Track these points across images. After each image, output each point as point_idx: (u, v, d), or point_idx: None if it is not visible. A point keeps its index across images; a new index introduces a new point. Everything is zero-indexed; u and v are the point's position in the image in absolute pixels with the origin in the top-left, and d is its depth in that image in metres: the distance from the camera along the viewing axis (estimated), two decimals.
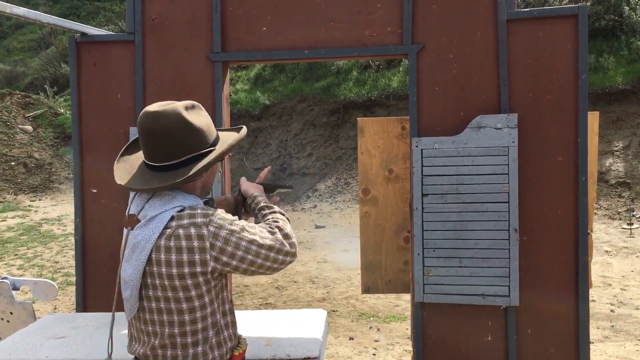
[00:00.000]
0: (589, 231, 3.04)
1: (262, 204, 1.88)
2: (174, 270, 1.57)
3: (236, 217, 1.68)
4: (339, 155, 14.73)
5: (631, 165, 11.36)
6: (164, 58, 3.27)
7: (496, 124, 2.95)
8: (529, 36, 2.93)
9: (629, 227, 9.80)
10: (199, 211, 1.61)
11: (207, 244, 1.57)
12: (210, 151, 1.69)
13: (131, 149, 1.83)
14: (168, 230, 1.58)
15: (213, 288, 1.63)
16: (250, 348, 2.15)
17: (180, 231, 1.57)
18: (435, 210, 3.05)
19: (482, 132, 2.97)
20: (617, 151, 11.51)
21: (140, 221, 1.63)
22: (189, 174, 1.62)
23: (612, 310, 5.99)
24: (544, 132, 2.96)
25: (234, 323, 1.76)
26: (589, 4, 13.15)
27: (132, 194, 1.74)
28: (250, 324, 2.64)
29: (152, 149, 1.65)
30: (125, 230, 1.69)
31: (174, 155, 1.64)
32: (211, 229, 1.59)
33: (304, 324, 2.61)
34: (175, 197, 1.64)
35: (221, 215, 1.63)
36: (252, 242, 1.62)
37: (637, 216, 10.23)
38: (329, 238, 10.26)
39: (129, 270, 1.62)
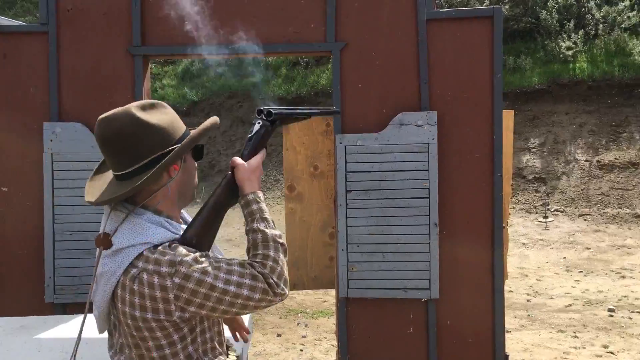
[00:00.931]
0: (504, 225, 3.17)
1: (255, 225, 1.55)
2: (137, 313, 1.44)
3: (211, 260, 1.46)
4: (268, 152, 14.67)
5: (546, 161, 11.92)
6: (81, 51, 3.14)
7: (417, 121, 3.02)
8: (448, 36, 3.02)
9: (544, 220, 10.31)
10: (166, 258, 1.43)
11: (171, 296, 1.42)
12: (174, 149, 1.52)
13: (104, 167, 1.66)
14: (133, 270, 1.44)
15: (186, 326, 1.49)
16: None
17: (145, 276, 1.43)
18: (359, 206, 3.09)
19: (403, 129, 3.04)
20: (533, 148, 12.07)
21: (111, 244, 1.49)
22: (147, 176, 1.46)
23: (528, 300, 6.28)
24: (462, 129, 3.06)
25: (220, 343, 1.62)
26: (507, 6, 13.69)
27: (105, 210, 1.58)
28: None
29: (111, 157, 1.52)
30: (97, 249, 1.55)
31: (133, 160, 1.49)
32: (176, 280, 1.42)
33: None
34: (146, 227, 1.48)
35: (189, 262, 1.43)
36: (225, 292, 1.44)
37: (552, 210, 10.77)
38: None
39: (97, 296, 1.51)
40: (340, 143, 3.07)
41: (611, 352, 4.71)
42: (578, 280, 7.05)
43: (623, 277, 7.13)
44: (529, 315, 5.72)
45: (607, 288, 6.66)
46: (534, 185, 11.65)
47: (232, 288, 1.44)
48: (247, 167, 1.62)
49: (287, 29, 3.10)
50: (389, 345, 3.18)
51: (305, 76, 15.30)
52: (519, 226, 10.14)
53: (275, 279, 1.48)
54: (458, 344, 3.11)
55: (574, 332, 5.19)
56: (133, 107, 1.52)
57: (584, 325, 5.39)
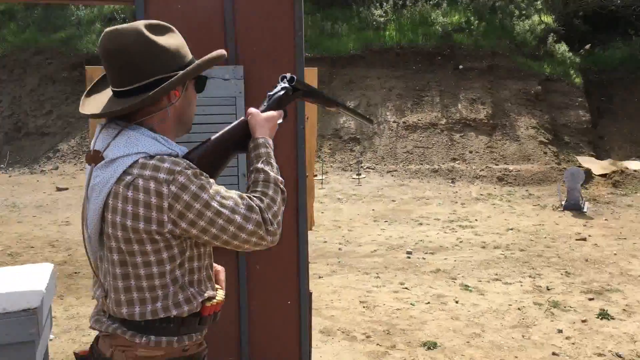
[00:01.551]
0: (307, 174, 3.42)
1: (260, 164, 1.52)
2: (129, 222, 1.37)
3: (211, 181, 1.42)
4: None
5: (360, 122, 12.74)
6: None
7: (224, 75, 3.12)
8: None
9: (357, 177, 11.10)
10: (165, 165, 1.37)
11: (166, 204, 1.36)
12: (178, 74, 1.46)
13: (105, 82, 1.56)
14: (128, 178, 1.37)
15: (176, 246, 1.42)
16: None
17: (140, 182, 1.36)
18: None
19: (211, 83, 3.10)
20: None
21: (103, 159, 1.41)
22: (148, 94, 1.40)
23: (339, 249, 6.81)
24: (267, 83, 3.20)
25: (209, 278, 1.54)
26: None
27: (97, 128, 1.49)
28: None
29: (112, 72, 1.45)
30: (88, 167, 1.46)
31: (134, 78, 1.42)
32: (172, 188, 1.35)
33: (28, 278, 2.51)
34: (141, 139, 1.41)
35: (189, 174, 1.37)
36: (218, 214, 1.38)
37: (365, 167, 11.61)
38: (73, 200, 9.67)
39: (89, 212, 1.44)
40: None
41: (406, 288, 5.33)
42: (383, 229, 7.78)
43: (421, 224, 8.00)
44: (339, 261, 6.21)
45: (407, 234, 7.45)
46: (349, 145, 12.44)
47: (226, 211, 1.38)
48: (262, 116, 1.59)
49: None
50: (268, 315, 3.30)
51: None
52: (335, 183, 10.80)
53: (270, 216, 1.44)
54: (267, 286, 3.33)
55: (377, 274, 5.77)
56: (142, 25, 1.44)
57: (386, 267, 6.01)
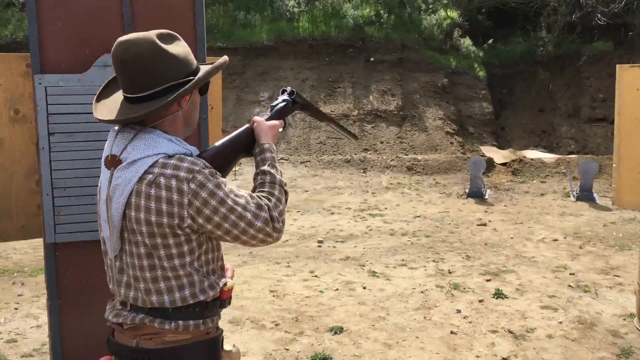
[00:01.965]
0: None
1: (266, 167, 1.66)
2: (153, 218, 1.48)
3: (225, 180, 1.54)
4: None
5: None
6: None
7: None
8: None
9: None
10: (185, 164, 1.49)
11: (186, 200, 1.47)
12: (188, 80, 1.56)
13: (113, 86, 1.67)
14: (149, 177, 1.48)
15: (195, 240, 1.53)
16: None
17: (162, 180, 1.48)
18: (64, 149, 3.02)
19: (108, 71, 3.03)
20: (262, 101, 12.79)
21: (122, 162, 1.52)
22: (162, 102, 1.50)
23: None
24: None
25: (222, 267, 1.67)
26: None
27: (111, 134, 1.61)
28: None
29: (126, 80, 1.54)
30: (105, 171, 1.58)
31: (148, 85, 1.52)
32: (192, 186, 1.48)
33: None
34: (158, 141, 1.52)
35: (207, 174, 1.50)
36: (231, 210, 1.51)
37: (279, 158, 11.64)
38: None
39: (112, 211, 1.53)
40: (40, 84, 2.94)
41: (316, 276, 5.43)
42: (296, 219, 7.86)
43: (332, 213, 8.15)
44: (250, 252, 6.22)
45: (319, 224, 7.57)
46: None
47: (239, 208, 1.50)
48: (266, 123, 1.73)
49: None
50: (103, 286, 3.22)
51: (22, 19, 13.71)
52: (249, 174, 10.77)
53: (276, 214, 1.56)
54: None
55: (288, 263, 5.83)
56: (154, 34, 1.53)
57: (297, 256, 6.09)
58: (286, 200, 1.66)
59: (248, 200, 1.54)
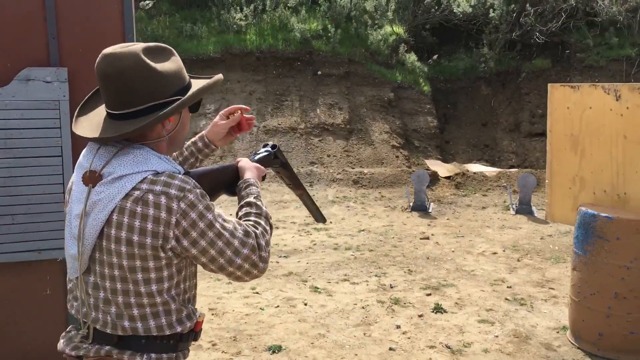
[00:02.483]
0: None
1: (251, 199, 1.61)
2: (135, 238, 1.39)
3: (211, 204, 1.47)
4: None
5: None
6: None
7: (45, 77, 2.93)
8: None
9: None
10: (176, 182, 1.41)
11: (173, 220, 1.39)
12: (175, 100, 1.47)
13: (96, 98, 1.60)
14: (136, 193, 1.39)
15: (175, 265, 1.44)
16: None
17: (150, 197, 1.39)
18: None
19: (31, 85, 2.91)
20: (209, 113, 12.64)
21: (102, 178, 1.43)
22: (144, 122, 1.42)
23: None
24: (95, 86, 3.07)
25: (195, 297, 1.60)
26: None
27: (91, 148, 1.51)
28: None
29: (108, 95, 1.46)
30: (79, 186, 1.47)
31: (131, 102, 1.44)
32: (182, 205, 1.39)
33: None
34: (148, 157, 1.45)
35: (198, 194, 1.43)
36: (219, 236, 1.44)
37: None
38: None
39: (88, 228, 1.42)
40: None
41: (257, 292, 5.35)
42: None
43: (277, 228, 8.09)
44: None
45: None
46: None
47: (226, 234, 1.44)
48: (251, 163, 1.77)
49: None
50: (26, 310, 3.08)
51: None
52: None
53: (263, 243, 1.51)
54: None
55: (229, 279, 5.73)
56: (140, 49, 1.45)
57: None
58: (271, 233, 1.61)
59: (236, 227, 1.48)
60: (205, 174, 1.65)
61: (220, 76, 1.63)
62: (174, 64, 1.52)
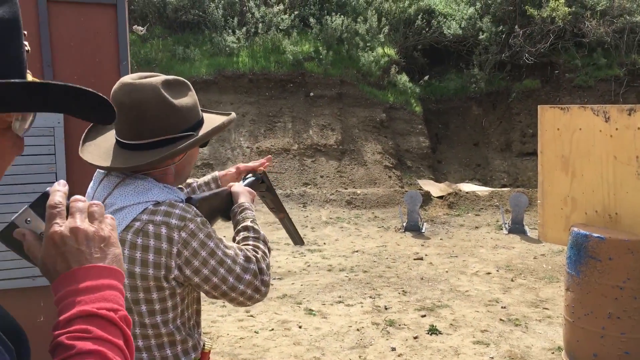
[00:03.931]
0: None
1: (248, 223, 1.60)
2: (137, 270, 1.38)
3: (212, 231, 1.46)
4: None
5: (214, 148, 12.63)
6: None
7: None
8: (71, 20, 3.00)
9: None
10: (176, 211, 1.40)
11: (175, 250, 1.38)
12: (188, 135, 1.48)
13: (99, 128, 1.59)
14: (137, 224, 1.39)
15: (178, 294, 1.44)
16: None
17: (150, 228, 1.38)
18: None
19: None
20: None
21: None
22: (156, 158, 1.41)
23: None
24: None
25: (199, 324, 1.61)
26: None
27: (96, 178, 1.53)
28: None
29: (122, 124, 1.45)
30: None
31: (144, 134, 1.44)
32: (183, 235, 1.39)
33: None
34: (150, 189, 1.44)
35: (198, 222, 1.42)
36: (221, 263, 1.42)
37: None
38: None
39: None
40: None
41: (251, 316, 5.33)
42: None
43: (271, 250, 8.07)
44: None
45: None
46: (202, 171, 12.26)
47: (228, 261, 1.43)
48: (243, 187, 1.75)
49: None
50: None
51: None
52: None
53: (264, 266, 1.50)
54: None
55: (223, 303, 5.70)
56: (160, 82, 1.45)
57: None
58: (269, 256, 1.60)
59: (237, 253, 1.48)
60: (205, 199, 1.63)
61: (233, 115, 1.64)
62: (190, 99, 1.53)
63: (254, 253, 1.52)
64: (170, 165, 1.52)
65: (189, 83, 1.57)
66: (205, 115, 1.60)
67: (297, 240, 2.23)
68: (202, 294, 1.53)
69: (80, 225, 0.80)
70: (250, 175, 1.95)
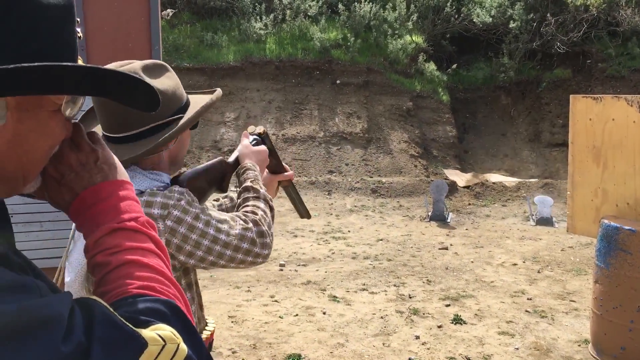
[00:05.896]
0: None
1: (249, 183, 1.59)
2: None
3: (203, 207, 1.42)
4: None
5: (241, 134, 12.67)
6: None
7: None
8: (105, 5, 3.04)
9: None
10: (157, 199, 1.36)
11: (163, 240, 1.28)
12: (177, 119, 1.43)
13: (89, 120, 1.50)
14: None
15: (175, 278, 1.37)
16: None
17: None
18: None
19: None
20: (229, 122, 12.75)
21: None
22: (148, 147, 1.37)
23: None
24: None
25: (200, 307, 1.57)
26: None
27: None
28: None
29: (106, 117, 1.40)
30: None
31: (130, 125, 1.39)
32: (169, 223, 1.36)
33: None
34: (133, 177, 1.35)
35: (183, 206, 1.38)
36: (215, 241, 1.40)
37: None
38: None
39: (75, 254, 1.38)
40: None
41: (276, 301, 5.38)
42: None
43: (296, 236, 8.12)
44: (211, 276, 6.14)
45: (282, 246, 7.52)
46: (228, 156, 12.36)
47: (222, 236, 1.41)
48: (250, 147, 1.70)
49: None
50: None
51: None
52: (213, 195, 10.67)
53: (264, 228, 1.47)
54: None
55: (248, 287, 5.77)
56: (139, 66, 1.40)
57: (258, 280, 6.03)
58: (272, 215, 1.58)
59: (231, 225, 1.44)
60: (196, 176, 1.58)
61: (219, 91, 1.58)
62: (171, 81, 1.47)
63: (253, 216, 1.49)
64: (162, 152, 1.46)
65: (167, 65, 1.52)
66: (191, 97, 1.56)
67: (303, 212, 2.05)
68: (208, 274, 1.51)
69: (69, 155, 0.84)
70: (251, 137, 1.84)
